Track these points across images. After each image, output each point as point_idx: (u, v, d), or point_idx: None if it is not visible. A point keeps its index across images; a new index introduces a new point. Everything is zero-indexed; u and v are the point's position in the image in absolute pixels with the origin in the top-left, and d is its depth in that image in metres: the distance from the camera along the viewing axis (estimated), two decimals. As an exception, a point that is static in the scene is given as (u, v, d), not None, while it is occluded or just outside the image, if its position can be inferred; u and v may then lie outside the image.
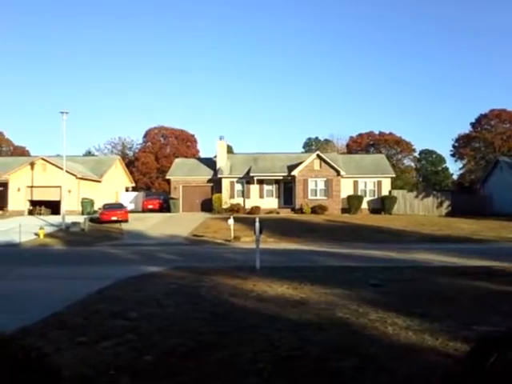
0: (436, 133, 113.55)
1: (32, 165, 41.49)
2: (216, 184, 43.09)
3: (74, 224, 30.41)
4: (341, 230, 28.99)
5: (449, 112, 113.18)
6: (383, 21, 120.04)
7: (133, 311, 8.28)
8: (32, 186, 41.35)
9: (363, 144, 71.92)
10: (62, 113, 32.95)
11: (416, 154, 73.11)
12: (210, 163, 45.66)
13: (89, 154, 70.68)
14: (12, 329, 6.58)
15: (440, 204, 42.38)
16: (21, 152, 70.17)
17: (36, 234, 27.55)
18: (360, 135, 73.86)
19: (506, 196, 40.01)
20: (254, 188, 42.24)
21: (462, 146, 65.34)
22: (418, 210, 41.87)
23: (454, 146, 66.99)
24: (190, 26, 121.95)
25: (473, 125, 65.18)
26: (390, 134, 71.11)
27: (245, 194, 42.27)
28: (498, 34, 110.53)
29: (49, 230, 29.70)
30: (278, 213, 39.49)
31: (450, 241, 24.68)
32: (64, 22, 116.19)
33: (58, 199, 39.12)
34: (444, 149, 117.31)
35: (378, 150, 66.62)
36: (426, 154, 74.16)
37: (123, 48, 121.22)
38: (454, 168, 73.54)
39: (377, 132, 72.86)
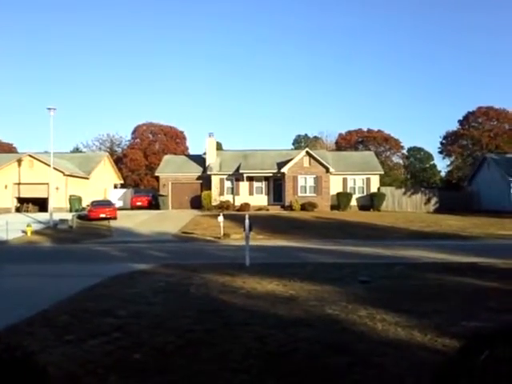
0: (424, 130, 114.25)
1: (19, 162, 41.08)
2: (205, 181, 42.98)
3: (62, 221, 30.17)
4: (330, 227, 29.07)
5: (436, 109, 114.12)
6: (372, 18, 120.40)
7: (121, 309, 8.22)
8: (19, 183, 40.94)
9: (352, 141, 72.16)
10: (49, 109, 32.64)
11: (404, 151, 73.61)
12: (200, 160, 45.53)
13: (77, 150, 70.10)
14: (-2, 327, 6.49)
15: (428, 201, 42.73)
16: (8, 149, 69.31)
17: (23, 232, 27.28)
18: (349, 132, 74.11)
19: (493, 193, 40.42)
20: (244, 185, 42.22)
21: (449, 143, 65.82)
22: (407, 207, 42.18)
23: (441, 144, 67.45)
24: (179, 23, 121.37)
25: (460, 122, 65.67)
26: (379, 131, 71.46)
27: (234, 191, 42.23)
28: (485, 32, 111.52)
29: (36, 227, 29.44)
30: (267, 210, 39.51)
31: (438, 237, 24.86)
32: (52, 20, 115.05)
33: (45, 196, 38.82)
34: (432, 146, 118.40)
35: (366, 147, 66.86)
36: (414, 151, 74.64)
37: (112, 45, 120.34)
38: (442, 165, 74.29)
39: (365, 129, 73.15)
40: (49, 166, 35.03)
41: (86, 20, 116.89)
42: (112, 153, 67.37)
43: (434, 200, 42.72)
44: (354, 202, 41.17)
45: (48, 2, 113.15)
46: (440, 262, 15.08)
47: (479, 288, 10.23)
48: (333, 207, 39.82)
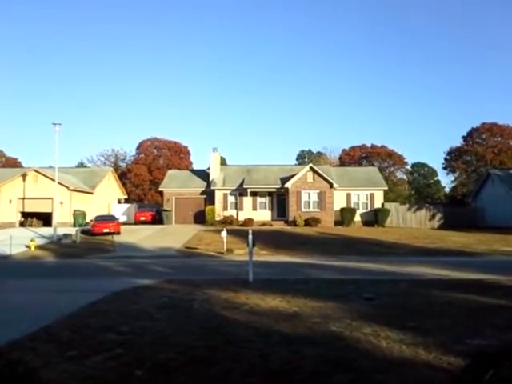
0: (428, 146, 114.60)
1: (24, 176, 41.28)
2: (209, 196, 43.04)
3: (66, 236, 30.18)
4: (334, 243, 28.96)
5: (440, 125, 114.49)
6: (376, 34, 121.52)
7: (124, 325, 8.18)
8: (24, 198, 41.09)
9: (356, 157, 72.26)
10: (54, 124, 32.92)
11: (408, 167, 73.59)
12: (203, 175, 45.65)
13: (81, 165, 70.44)
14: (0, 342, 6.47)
15: (432, 217, 42.57)
16: (13, 163, 69.79)
17: (27, 246, 27.28)
18: (352, 148, 74.25)
19: (497, 209, 40.26)
20: (247, 200, 42.23)
21: (453, 159, 65.80)
22: (411, 223, 42.01)
23: (445, 159, 67.44)
24: (183, 37, 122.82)
25: (464, 138, 65.73)
26: (383, 146, 71.56)
27: (238, 206, 42.22)
28: (490, 47, 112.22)
29: (40, 242, 29.44)
30: (271, 225, 39.45)
31: (443, 253, 24.70)
32: (57, 34, 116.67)
33: (49, 211, 38.91)
34: (436, 162, 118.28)
35: (370, 163, 66.94)
36: (418, 166, 74.65)
37: (116, 60, 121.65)
38: (446, 181, 74.05)
39: (369, 145, 73.33)
40: (53, 180, 35.18)
41: (91, 36, 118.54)
42: (116, 168, 67.67)
43: (438, 216, 42.56)
44: (357, 218, 41.08)
45: (54, 17, 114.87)
46: (445, 279, 14.96)
47: (484, 305, 10.13)
48: (337, 223, 39.73)
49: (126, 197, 55.60)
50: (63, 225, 36.36)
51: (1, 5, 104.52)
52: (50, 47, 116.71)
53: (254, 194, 42.16)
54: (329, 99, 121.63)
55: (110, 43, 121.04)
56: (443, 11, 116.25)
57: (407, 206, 44.75)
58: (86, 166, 68.25)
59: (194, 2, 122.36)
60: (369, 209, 41.76)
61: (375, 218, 40.48)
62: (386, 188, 44.31)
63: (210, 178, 44.01)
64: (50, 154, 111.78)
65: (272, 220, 41.24)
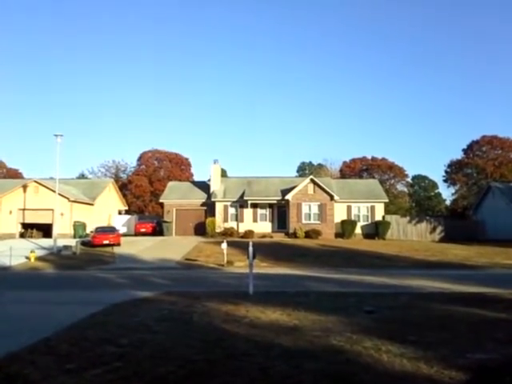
0: (428, 158, 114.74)
1: (24, 187, 41.33)
2: (210, 207, 43.04)
3: (66, 247, 30.12)
4: (334, 255, 28.88)
5: (441, 138, 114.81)
6: (376, 47, 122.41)
7: (123, 337, 8.13)
8: (24, 209, 41.10)
9: (356, 169, 72.36)
10: (56, 135, 32.99)
11: (409, 180, 73.64)
12: (204, 187, 45.69)
13: (82, 176, 70.57)
14: (-2, 355, 6.43)
15: (433, 229, 42.50)
16: (14, 174, 69.90)
17: (27, 258, 27.22)
18: (353, 160, 74.38)
19: (498, 222, 40.21)
20: (248, 212, 42.21)
21: (454, 171, 65.88)
22: (412, 236, 41.93)
23: (446, 172, 67.52)
24: (185, 51, 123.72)
25: (464, 151, 65.88)
26: (383, 159, 71.68)
27: (238, 218, 42.20)
28: (490, 60, 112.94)
29: (40, 253, 29.38)
30: (271, 237, 39.39)
31: (444, 266, 24.63)
32: (58, 46, 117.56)
33: (50, 222, 38.90)
34: (436, 174, 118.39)
35: (370, 175, 67.02)
36: (419, 179, 74.70)
37: (117, 71, 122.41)
38: (447, 193, 74.05)
39: (370, 157, 73.45)
40: (54, 191, 35.20)
41: (92, 47, 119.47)
42: (117, 179, 67.78)
43: (439, 229, 42.49)
44: (358, 230, 41.02)
45: (56, 29, 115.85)
46: (446, 292, 14.90)
47: (485, 319, 10.07)
48: (337, 235, 39.68)
49: (126, 208, 55.61)
50: (63, 236, 36.33)
51: (1, 15, 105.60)
52: (50, 59, 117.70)
53: (254, 206, 42.17)
54: (329, 111, 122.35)
55: (110, 55, 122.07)
56: (443, 24, 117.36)
57: (408, 218, 44.70)
58: (86, 178, 68.39)
59: (194, 13, 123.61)
60: (369, 221, 41.72)
61: (376, 230, 40.42)
62: (387, 200, 44.30)
63: (211, 190, 44.05)
64: (51, 165, 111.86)
65: (272, 232, 41.20)
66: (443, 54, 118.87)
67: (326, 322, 9.65)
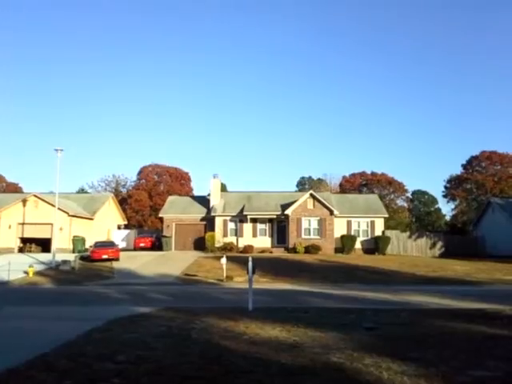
0: (428, 174, 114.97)
1: (24, 202, 41.28)
2: (209, 222, 42.97)
3: (65, 262, 30.01)
4: (334, 271, 28.78)
5: (440, 153, 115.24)
6: (375, 62, 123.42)
7: (121, 354, 8.05)
8: (23, 223, 41.02)
9: (356, 184, 72.43)
10: (56, 150, 33.05)
11: (408, 195, 73.65)
12: (204, 201, 45.66)
13: (82, 191, 70.58)
14: (-5, 372, 6.37)
15: (433, 245, 42.42)
16: (13, 189, 69.97)
17: (25, 272, 27.10)
18: (353, 175, 74.49)
19: (498, 237, 40.14)
20: (247, 227, 42.14)
21: (453, 187, 65.96)
22: (412, 251, 41.85)
23: (445, 187, 67.60)
24: (184, 64, 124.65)
25: (464, 166, 66.04)
26: (383, 174, 71.79)
27: (238, 233, 42.12)
28: (489, 76, 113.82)
29: (39, 268, 29.26)
30: (271, 252, 39.29)
31: (444, 282, 24.55)
32: (59, 60, 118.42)
33: (49, 237, 38.77)
34: (436, 190, 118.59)
35: (370, 190, 67.05)
36: (419, 194, 74.71)
37: (117, 86, 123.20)
38: (447, 209, 74.03)
39: (369, 172, 73.57)
40: (53, 206, 35.18)
41: (92, 62, 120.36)
42: (117, 193, 67.79)
43: (439, 244, 42.42)
44: (358, 245, 40.92)
45: (56, 45, 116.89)
46: (446, 308, 14.82)
47: (487, 335, 10.00)
48: (337, 250, 39.56)
49: (125, 223, 55.52)
50: (62, 251, 36.21)
51: (1, 28, 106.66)
52: (50, 73, 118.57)
53: (254, 221, 42.12)
54: (329, 126, 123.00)
55: (110, 69, 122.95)
56: (443, 39, 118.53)
57: (408, 233, 44.65)
58: (86, 192, 68.39)
59: (194, 26, 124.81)
60: (369, 236, 41.64)
61: (376, 245, 40.33)
62: (387, 215, 44.27)
63: (211, 205, 44.03)
64: (51, 180, 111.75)
65: (272, 247, 41.09)
66: (442, 69, 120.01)
67: (325, 338, 9.58)
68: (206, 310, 13.93)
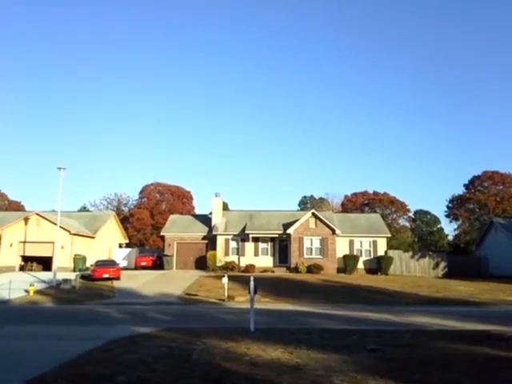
0: (430, 193, 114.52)
1: (26, 220, 41.31)
2: (211, 241, 42.87)
3: (65, 281, 29.87)
4: (337, 291, 28.58)
5: (442, 173, 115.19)
6: (378, 81, 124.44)
7: (121, 375, 7.97)
8: (25, 242, 40.97)
9: (358, 203, 72.37)
10: (59, 169, 33.13)
11: (411, 214, 73.48)
12: (205, 220, 45.61)
13: (84, 209, 70.65)
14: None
15: (436, 265, 42.16)
16: (16, 207, 70.09)
17: (26, 291, 26.97)
18: (355, 194, 74.48)
19: (501, 258, 39.91)
20: (249, 246, 42.01)
21: (456, 206, 65.84)
22: (415, 271, 41.57)
23: (448, 207, 67.47)
24: (185, 84, 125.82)
25: (466, 186, 66.02)
26: (385, 193, 71.78)
27: (239, 252, 41.98)
28: (490, 95, 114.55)
29: (39, 286, 29.12)
30: (273, 271, 39.08)
31: (448, 303, 24.32)
32: (60, 80, 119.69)
33: (50, 255, 38.65)
34: (438, 209, 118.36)
35: (372, 210, 66.93)
36: (421, 214, 74.52)
37: (119, 105, 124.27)
38: (449, 229, 73.68)
39: (371, 191, 73.56)
40: (55, 224, 35.16)
41: (94, 81, 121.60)
42: (119, 212, 67.80)
43: (442, 264, 42.16)
44: (360, 265, 40.69)
45: (56, 61, 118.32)
46: (450, 330, 14.68)
47: (491, 357, 9.88)
48: (339, 270, 39.32)
49: (127, 241, 55.41)
50: (63, 269, 36.08)
51: (2, 47, 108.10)
52: (54, 91, 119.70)
53: (255, 240, 42.00)
54: (331, 145, 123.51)
55: (112, 89, 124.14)
56: (446, 58, 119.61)
57: (410, 253, 44.39)
58: (88, 210, 68.44)
59: (194, 43, 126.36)
60: (372, 256, 41.43)
61: (378, 265, 40.11)
62: (389, 235, 44.09)
63: (212, 223, 43.97)
64: (53, 198, 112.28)
65: (274, 266, 40.89)
66: (445, 89, 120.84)
67: (328, 360, 9.47)
68: (207, 330, 13.81)
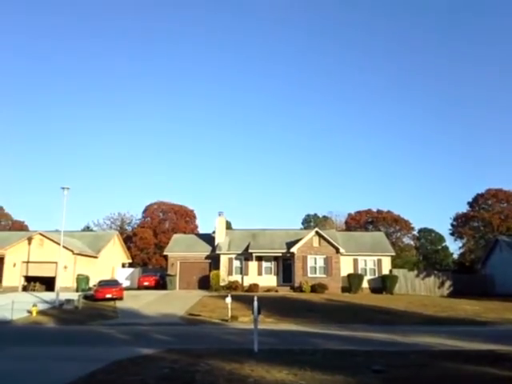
0: (434, 211, 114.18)
1: (29, 240, 41.31)
2: (214, 260, 42.70)
3: (68, 301, 29.75)
4: (341, 311, 28.33)
5: (446, 191, 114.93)
6: (379, 102, 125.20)
7: (123, 398, 7.88)
8: (28, 262, 40.93)
9: (361, 221, 72.13)
10: (63, 188, 33.21)
11: (415, 233, 73.06)
12: (209, 239, 45.49)
13: (87, 229, 70.69)
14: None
15: (441, 284, 41.79)
16: (19, 227, 70.24)
17: (29, 312, 26.86)
18: (358, 212, 74.24)
19: (507, 276, 39.56)
20: (253, 265, 41.81)
21: (460, 225, 65.50)
22: (420, 290, 41.20)
23: (452, 225, 67.13)
24: (188, 104, 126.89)
25: (470, 204, 65.79)
26: (388, 211, 71.53)
27: (243, 271, 41.76)
28: (492, 110, 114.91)
29: (42, 307, 29.00)
30: (276, 291, 38.80)
31: (454, 323, 24.05)
32: (63, 100, 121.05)
33: (53, 275, 38.57)
34: (443, 227, 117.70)
35: (376, 228, 66.66)
36: (425, 232, 74.11)
37: (122, 125, 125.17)
38: (454, 247, 73.21)
39: (375, 209, 73.35)
40: (59, 244, 35.14)
41: (97, 102, 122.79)
42: (122, 231, 67.78)
43: (447, 283, 41.78)
44: (365, 284, 40.36)
45: (60, 84, 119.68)
46: (456, 350, 14.49)
47: (497, 378, 9.74)
48: (344, 289, 39.00)
49: (130, 261, 55.28)
50: (66, 289, 35.95)
51: (7, 70, 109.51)
52: (57, 111, 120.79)
53: (259, 259, 41.81)
54: (334, 164, 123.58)
55: (114, 109, 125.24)
56: (450, 74, 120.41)
57: (415, 272, 44.00)
58: (92, 230, 68.47)
59: (192, 69, 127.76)
60: (376, 275, 41.12)
61: (383, 284, 39.78)
62: (394, 254, 43.81)
63: (216, 242, 43.86)
64: (57, 217, 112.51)
65: (278, 285, 40.61)
66: (449, 106, 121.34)
67: (333, 381, 9.35)
68: (211, 351, 13.68)
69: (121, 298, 32.77)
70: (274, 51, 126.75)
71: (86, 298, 32.76)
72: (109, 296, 32.61)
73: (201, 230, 69.82)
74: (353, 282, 39.31)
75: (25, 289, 40.48)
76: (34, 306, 27.17)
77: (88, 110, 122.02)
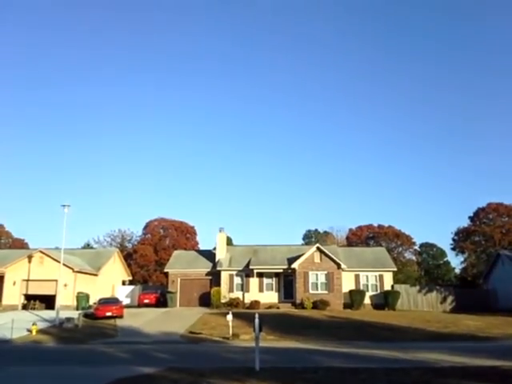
0: (435, 226, 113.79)
1: (30, 258, 41.13)
2: (215, 277, 42.47)
3: (68, 320, 29.54)
4: (344, 327, 28.10)
5: (447, 205, 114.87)
6: (379, 117, 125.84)
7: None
8: (28, 280, 40.70)
9: (363, 236, 71.97)
10: (63, 206, 33.20)
11: (416, 247, 72.81)
12: (209, 255, 45.33)
13: (88, 246, 70.50)
14: None
15: (444, 299, 41.53)
16: (19, 244, 70.05)
17: (28, 330, 26.67)
18: (359, 228, 74.12)
19: (510, 291, 39.30)
20: (254, 281, 41.57)
21: (461, 239, 65.26)
22: (422, 306, 40.92)
23: (453, 240, 66.90)
24: (188, 121, 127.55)
25: (471, 218, 65.65)
26: (390, 226, 71.40)
27: (244, 288, 41.50)
28: (495, 125, 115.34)
29: (42, 325, 28.79)
30: (278, 308, 38.53)
31: (457, 339, 23.84)
32: (64, 118, 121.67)
33: (53, 293, 38.34)
34: (444, 242, 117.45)
35: (377, 243, 66.45)
36: (427, 247, 73.89)
37: (123, 142, 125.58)
38: (456, 262, 72.84)
39: (376, 225, 73.23)
40: (59, 262, 35.00)
41: (100, 119, 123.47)
42: (122, 248, 67.56)
43: (450, 298, 41.52)
44: (367, 300, 40.09)
45: (60, 102, 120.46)
46: (459, 366, 14.34)
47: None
48: (346, 305, 38.73)
49: (130, 278, 54.98)
50: (66, 307, 35.72)
51: (8, 86, 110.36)
52: (58, 130, 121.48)
53: (260, 275, 41.57)
54: (335, 179, 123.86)
55: (115, 125, 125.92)
56: (450, 85, 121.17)
57: (417, 287, 43.72)
58: (92, 247, 68.27)
59: (192, 82, 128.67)
60: (378, 291, 40.88)
61: (385, 300, 39.52)
62: (395, 269, 43.57)
63: (216, 259, 43.67)
64: (57, 235, 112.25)
65: (279, 302, 40.33)
66: (450, 120, 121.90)
67: (335, 401, 9.23)
68: (212, 370, 13.54)
69: (121, 316, 32.56)
70: (276, 62, 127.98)
71: (86, 316, 32.53)
72: (109, 314, 32.40)
73: (201, 247, 69.69)
74: (355, 298, 39.07)
75: (25, 307, 40.20)
76: (34, 324, 26.97)
77: (89, 128, 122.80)
